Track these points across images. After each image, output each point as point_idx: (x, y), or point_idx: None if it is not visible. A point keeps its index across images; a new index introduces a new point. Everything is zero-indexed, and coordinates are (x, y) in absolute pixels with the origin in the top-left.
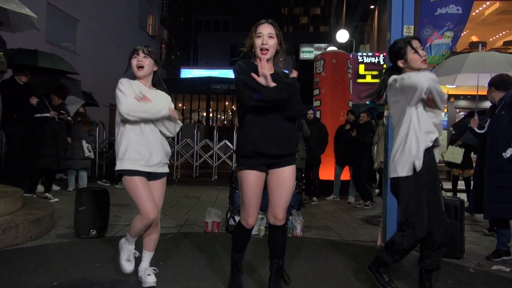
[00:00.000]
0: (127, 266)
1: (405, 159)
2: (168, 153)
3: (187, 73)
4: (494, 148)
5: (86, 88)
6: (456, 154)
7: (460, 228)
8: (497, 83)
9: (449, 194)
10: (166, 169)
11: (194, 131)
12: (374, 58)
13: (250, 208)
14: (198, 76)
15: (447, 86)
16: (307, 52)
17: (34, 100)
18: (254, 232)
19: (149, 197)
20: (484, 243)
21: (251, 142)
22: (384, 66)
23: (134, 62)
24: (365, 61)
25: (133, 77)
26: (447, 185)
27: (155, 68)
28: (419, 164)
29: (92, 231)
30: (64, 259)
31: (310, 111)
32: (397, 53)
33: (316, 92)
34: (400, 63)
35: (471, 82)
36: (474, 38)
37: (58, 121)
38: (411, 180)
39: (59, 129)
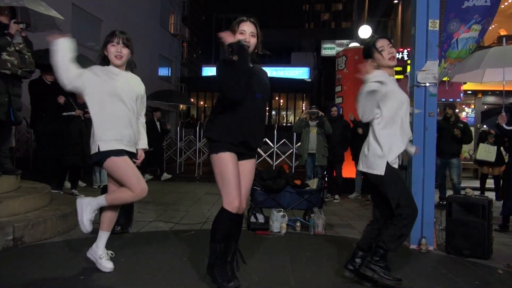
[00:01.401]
0: (108, 264)
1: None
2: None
3: (208, 71)
4: None
5: None
6: (489, 152)
7: (488, 227)
8: None
9: (477, 192)
10: (144, 144)
11: None
12: (398, 54)
13: (235, 190)
14: None
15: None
16: (329, 49)
17: (61, 99)
18: (276, 230)
19: (140, 175)
20: None
21: (238, 131)
22: (409, 62)
23: (112, 49)
24: None
25: (104, 60)
26: (474, 183)
27: (130, 55)
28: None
29: (117, 227)
30: None
31: (334, 108)
32: (366, 54)
33: (338, 89)
34: (370, 62)
35: (500, 78)
36: (502, 32)
37: (84, 119)
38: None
39: (85, 127)
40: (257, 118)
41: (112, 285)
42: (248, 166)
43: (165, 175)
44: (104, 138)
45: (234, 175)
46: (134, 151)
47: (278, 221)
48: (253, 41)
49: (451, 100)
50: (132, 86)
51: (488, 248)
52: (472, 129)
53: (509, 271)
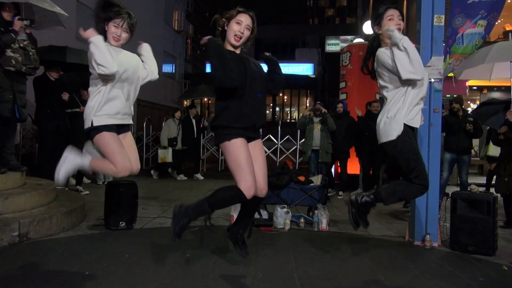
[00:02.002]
0: (63, 179)
1: (396, 123)
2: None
3: None
4: None
5: None
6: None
7: (493, 224)
8: None
9: (482, 189)
10: (131, 121)
11: None
12: None
13: (251, 176)
14: None
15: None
16: (333, 45)
17: (66, 96)
18: (279, 226)
19: (126, 154)
20: None
21: (246, 116)
22: None
23: (112, 29)
24: None
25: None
26: (480, 180)
27: (129, 38)
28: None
29: (122, 223)
30: (95, 249)
31: (340, 105)
32: (374, 20)
33: (342, 85)
34: (376, 29)
35: (508, 75)
36: (508, 27)
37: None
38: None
39: None
40: (257, 100)
41: (116, 281)
42: (258, 146)
43: (197, 176)
44: (98, 113)
45: (249, 161)
46: (130, 122)
47: (282, 217)
48: (246, 33)
49: (456, 95)
50: (131, 61)
51: (493, 244)
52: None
53: None
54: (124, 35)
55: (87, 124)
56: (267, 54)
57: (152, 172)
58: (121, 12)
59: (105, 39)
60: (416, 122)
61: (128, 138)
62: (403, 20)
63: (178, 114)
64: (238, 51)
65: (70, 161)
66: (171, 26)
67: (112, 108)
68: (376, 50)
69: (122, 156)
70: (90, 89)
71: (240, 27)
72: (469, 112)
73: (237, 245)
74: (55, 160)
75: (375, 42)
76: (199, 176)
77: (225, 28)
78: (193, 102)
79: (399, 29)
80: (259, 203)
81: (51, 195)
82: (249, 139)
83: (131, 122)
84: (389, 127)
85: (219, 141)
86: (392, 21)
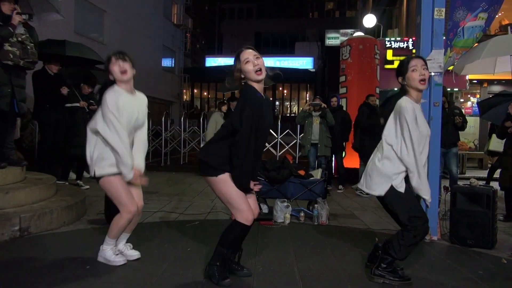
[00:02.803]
0: (119, 259)
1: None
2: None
3: (212, 61)
4: None
5: None
6: (502, 143)
7: (492, 217)
8: None
9: (481, 182)
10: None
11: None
12: (402, 43)
13: (245, 204)
14: (222, 64)
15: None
16: (333, 38)
17: (65, 90)
18: (279, 220)
19: (131, 195)
20: None
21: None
22: (413, 51)
23: (115, 69)
24: (393, 46)
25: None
26: (479, 173)
27: (134, 71)
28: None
29: None
30: (95, 244)
31: (334, 99)
32: (399, 70)
33: (342, 79)
34: (400, 80)
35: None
36: (504, 22)
37: (88, 111)
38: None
39: (89, 119)
40: (257, 155)
41: (117, 275)
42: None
43: None
44: (99, 164)
45: (238, 191)
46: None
47: (282, 212)
48: (260, 61)
49: (456, 89)
50: (135, 108)
51: (492, 238)
52: (477, 119)
53: None
54: (127, 65)
55: (91, 172)
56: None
57: None
58: (109, 56)
59: (114, 82)
60: (402, 187)
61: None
62: (427, 68)
63: (224, 108)
64: (262, 85)
65: (105, 253)
66: (170, 20)
67: (113, 159)
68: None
69: (128, 198)
70: (90, 133)
71: (251, 63)
72: (454, 104)
73: (235, 270)
74: (54, 155)
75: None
76: None
77: (242, 77)
78: (234, 95)
79: (423, 80)
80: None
81: (51, 190)
82: None
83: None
84: (377, 179)
85: (204, 173)
86: (416, 72)
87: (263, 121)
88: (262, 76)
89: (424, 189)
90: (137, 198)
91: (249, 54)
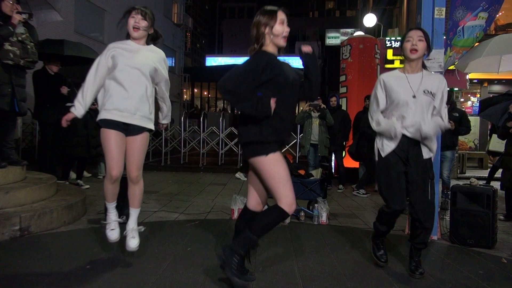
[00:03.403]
0: (111, 234)
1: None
2: (151, 110)
3: (212, 61)
4: None
5: None
6: (502, 143)
7: (492, 217)
8: None
9: (481, 182)
10: (147, 124)
11: (220, 119)
12: None
13: (292, 191)
14: (223, 64)
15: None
16: (333, 38)
17: (64, 90)
18: None
19: (117, 154)
20: None
21: (281, 131)
22: None
23: (131, 22)
24: (393, 46)
25: (127, 35)
26: (479, 173)
27: (151, 31)
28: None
29: (122, 217)
30: (95, 243)
31: (333, 98)
32: (401, 42)
33: (342, 78)
34: (401, 51)
35: None
36: (499, 22)
37: (88, 110)
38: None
39: (90, 118)
40: (289, 113)
41: (117, 275)
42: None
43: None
44: (102, 107)
45: (288, 175)
46: (138, 123)
47: None
48: (288, 30)
49: (456, 89)
50: (144, 60)
51: (492, 237)
52: (478, 118)
53: None
54: (143, 23)
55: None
56: (306, 50)
57: (239, 175)
58: (133, 6)
59: (128, 37)
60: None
61: (135, 142)
62: (425, 40)
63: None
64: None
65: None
66: (171, 20)
67: (110, 104)
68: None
69: (113, 159)
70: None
71: (284, 26)
72: (456, 104)
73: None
74: (54, 154)
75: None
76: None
77: (265, 32)
78: (194, 99)
79: (414, 50)
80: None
81: (51, 189)
82: None
83: (138, 123)
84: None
85: (252, 154)
86: (409, 42)
87: (286, 77)
88: (285, 44)
89: (392, 132)
90: (131, 166)
91: (284, 16)
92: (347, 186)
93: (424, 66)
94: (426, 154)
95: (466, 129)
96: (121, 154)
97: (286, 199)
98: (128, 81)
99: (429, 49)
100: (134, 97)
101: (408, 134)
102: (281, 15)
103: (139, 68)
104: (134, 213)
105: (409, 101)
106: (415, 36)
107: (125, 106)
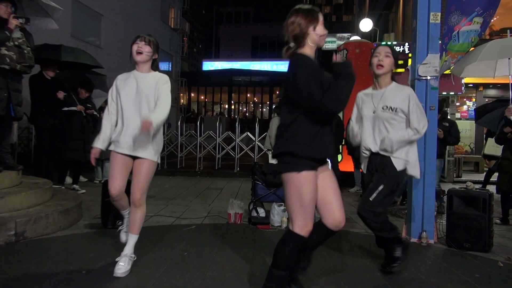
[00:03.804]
0: (123, 236)
1: None
2: (149, 139)
3: (209, 65)
4: None
5: (110, 82)
6: (498, 147)
7: (489, 220)
8: None
9: (477, 186)
10: (146, 155)
11: (216, 124)
12: (399, 47)
13: (310, 214)
14: (220, 68)
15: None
16: (330, 42)
17: (61, 94)
18: (276, 223)
19: (119, 174)
20: None
21: (321, 147)
22: (410, 55)
23: (134, 47)
24: None
25: (134, 63)
26: (477, 177)
27: (155, 56)
28: None
29: (118, 222)
30: (92, 248)
31: None
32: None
33: None
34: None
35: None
36: (494, 27)
37: (85, 115)
38: None
39: (86, 123)
40: (331, 131)
41: (113, 280)
42: (328, 173)
43: None
44: (111, 137)
45: (314, 199)
46: (136, 154)
47: (279, 215)
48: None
49: (452, 93)
50: (144, 86)
51: (489, 241)
52: (473, 122)
53: (509, 263)
54: (147, 48)
55: None
56: (340, 63)
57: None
58: (138, 35)
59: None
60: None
61: (140, 166)
62: (392, 56)
63: None
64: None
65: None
66: (168, 24)
67: (115, 136)
68: None
69: (112, 176)
70: None
71: (323, 27)
72: (447, 112)
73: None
74: (51, 158)
75: None
76: None
77: (308, 32)
78: (190, 103)
79: (379, 66)
80: (331, 235)
81: (47, 194)
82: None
83: (139, 154)
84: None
85: (285, 169)
86: (376, 58)
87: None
88: (323, 44)
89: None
90: (134, 188)
91: (322, 17)
92: (343, 190)
93: (393, 79)
94: (396, 163)
95: (455, 140)
96: (122, 174)
97: (301, 220)
98: (126, 114)
99: (396, 64)
100: (131, 131)
101: (372, 148)
102: (320, 17)
103: (140, 98)
104: (132, 239)
105: (369, 116)
106: (382, 52)
107: (122, 139)
